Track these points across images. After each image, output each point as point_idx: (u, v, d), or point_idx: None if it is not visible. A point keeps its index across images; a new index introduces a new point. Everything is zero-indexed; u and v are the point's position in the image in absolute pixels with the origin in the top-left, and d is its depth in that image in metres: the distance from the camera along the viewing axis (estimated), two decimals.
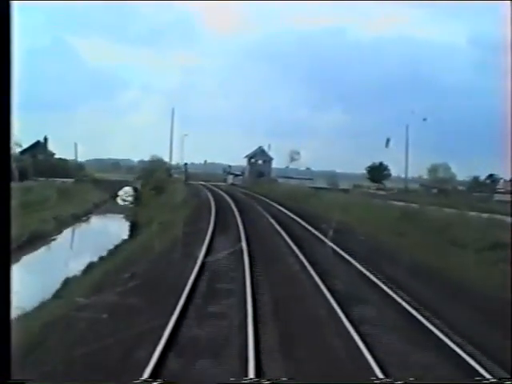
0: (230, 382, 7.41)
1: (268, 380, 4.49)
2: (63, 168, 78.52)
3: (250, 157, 78.99)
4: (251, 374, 8.08)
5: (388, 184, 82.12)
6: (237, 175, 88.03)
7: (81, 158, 79.85)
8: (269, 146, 76.48)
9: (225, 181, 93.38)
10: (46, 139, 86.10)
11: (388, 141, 43.17)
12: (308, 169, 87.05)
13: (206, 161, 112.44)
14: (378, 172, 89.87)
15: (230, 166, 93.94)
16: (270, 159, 76.51)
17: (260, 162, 78.91)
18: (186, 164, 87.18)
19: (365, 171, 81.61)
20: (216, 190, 63.73)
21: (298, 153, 67.35)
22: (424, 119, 46.73)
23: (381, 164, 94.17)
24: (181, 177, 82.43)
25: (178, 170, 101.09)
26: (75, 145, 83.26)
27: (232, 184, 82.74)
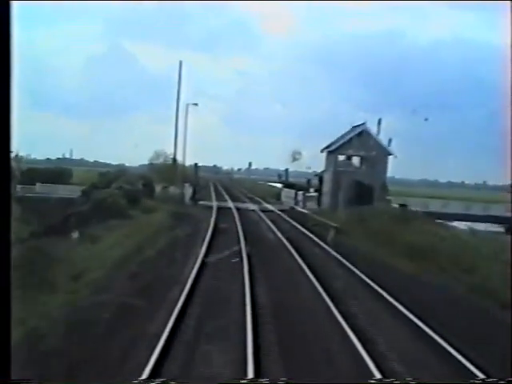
0: (229, 382, 7.17)
1: (267, 380, 3.97)
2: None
3: (333, 149, 34.41)
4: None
5: None
6: (300, 189, 43.74)
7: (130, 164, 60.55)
8: (379, 122, 32.12)
9: (278, 198, 49.56)
10: None
11: (390, 141, 25.68)
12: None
13: (250, 164, 79.40)
14: None
15: (286, 171, 49.96)
16: (386, 153, 32.27)
17: (355, 160, 34.45)
18: (196, 165, 43.84)
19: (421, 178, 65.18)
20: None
21: (300, 153, 52.41)
22: (425, 119, 32.00)
23: None
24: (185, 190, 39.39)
25: (225, 176, 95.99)
26: None
27: (292, 208, 38.75)
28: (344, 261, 17.68)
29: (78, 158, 79.74)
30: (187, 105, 38.94)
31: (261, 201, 48.98)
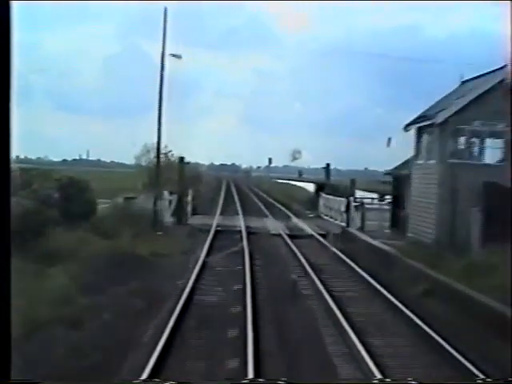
0: (229, 382, 7.22)
1: (268, 380, 3.24)
2: None
3: (440, 122, 17.35)
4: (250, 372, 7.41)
5: None
6: (349, 194, 27.03)
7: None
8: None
9: (312, 207, 33.56)
10: None
11: (389, 140, 21.89)
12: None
13: (270, 160, 73.05)
14: None
15: (327, 168, 33.56)
16: None
17: (478, 143, 17.98)
18: (183, 161, 27.57)
19: None
20: None
21: (300, 152, 52.96)
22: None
23: None
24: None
25: (243, 174, 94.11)
26: None
27: (343, 231, 22.44)
28: None
29: (95, 158, 79.41)
30: (167, 54, 22.75)
31: (286, 211, 32.69)
